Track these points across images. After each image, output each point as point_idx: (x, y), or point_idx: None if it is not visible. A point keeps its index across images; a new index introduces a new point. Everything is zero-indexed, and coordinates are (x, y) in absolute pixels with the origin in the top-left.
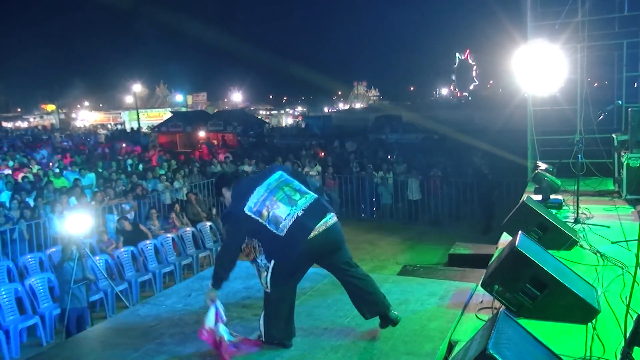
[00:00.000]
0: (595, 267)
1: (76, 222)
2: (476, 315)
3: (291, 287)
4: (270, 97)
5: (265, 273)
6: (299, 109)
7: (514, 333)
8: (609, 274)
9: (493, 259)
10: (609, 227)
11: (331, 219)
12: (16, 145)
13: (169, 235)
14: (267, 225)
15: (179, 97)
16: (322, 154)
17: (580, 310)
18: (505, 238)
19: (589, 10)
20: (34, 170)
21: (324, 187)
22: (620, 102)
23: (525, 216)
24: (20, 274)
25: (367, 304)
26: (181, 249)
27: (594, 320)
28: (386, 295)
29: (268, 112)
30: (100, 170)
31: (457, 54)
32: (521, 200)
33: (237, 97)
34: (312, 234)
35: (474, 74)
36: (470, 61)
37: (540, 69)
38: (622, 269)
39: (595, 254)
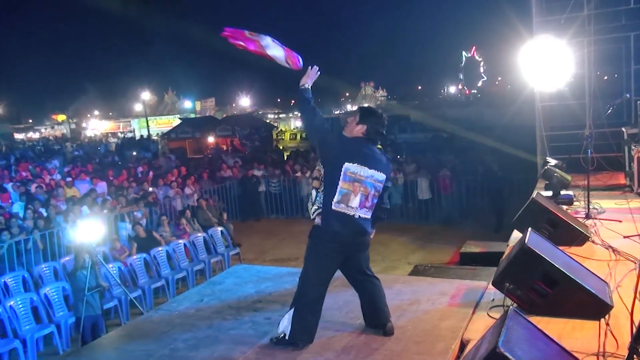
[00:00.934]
0: (608, 262)
1: (88, 230)
2: (488, 313)
3: (323, 284)
4: (279, 100)
5: (315, 208)
6: None
7: (525, 331)
8: (622, 269)
9: (504, 256)
10: (620, 221)
11: (365, 234)
12: (28, 156)
13: (180, 241)
14: (337, 191)
15: (187, 104)
16: None
17: (592, 306)
18: (516, 235)
19: (595, 3)
20: (47, 180)
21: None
22: (628, 95)
23: (535, 213)
24: (35, 284)
25: (374, 313)
26: (193, 255)
27: (606, 316)
28: (397, 295)
29: (276, 116)
30: (111, 179)
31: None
32: (531, 197)
33: (245, 101)
34: (345, 233)
35: (481, 70)
36: (477, 57)
37: (547, 65)
38: (635, 263)
39: (607, 249)
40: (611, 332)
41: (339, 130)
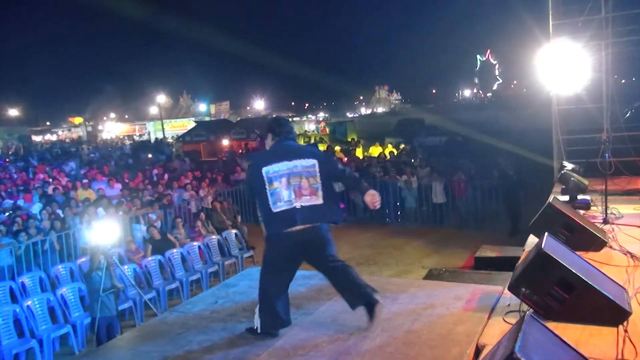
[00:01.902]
0: (626, 268)
1: (102, 232)
2: (503, 318)
3: (282, 280)
4: (292, 103)
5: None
6: (321, 114)
7: (542, 336)
8: None
9: (520, 261)
10: (639, 226)
11: (319, 226)
12: (45, 158)
13: (195, 243)
14: (269, 195)
15: (202, 107)
16: (345, 159)
17: (610, 312)
18: (532, 240)
19: (612, 6)
20: (64, 182)
21: (342, 192)
22: None
23: (552, 217)
24: (52, 284)
25: (352, 295)
26: (207, 257)
27: (625, 323)
28: (412, 299)
29: (290, 119)
30: (127, 181)
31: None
32: (547, 201)
33: (259, 104)
34: (293, 228)
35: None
36: (492, 60)
37: (564, 68)
38: None
39: (626, 254)
40: (629, 339)
41: (253, 156)
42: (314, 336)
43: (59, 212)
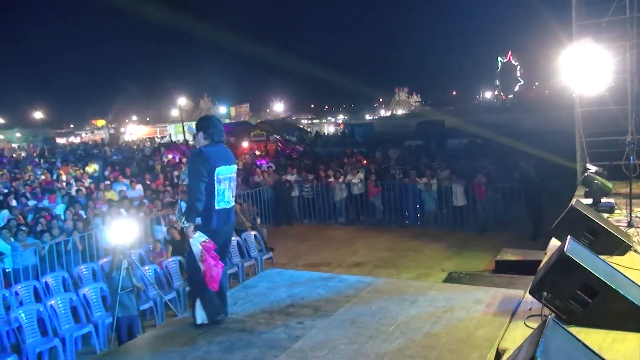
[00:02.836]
0: None
1: (121, 232)
2: (525, 322)
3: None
4: (312, 106)
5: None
6: (341, 116)
7: (564, 341)
8: None
9: (541, 265)
10: None
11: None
12: (69, 159)
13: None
14: (216, 193)
15: (222, 109)
16: (365, 161)
17: (634, 318)
18: (554, 243)
19: (638, 6)
20: (86, 184)
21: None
22: None
23: (575, 221)
24: (74, 284)
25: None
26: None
27: None
28: (431, 302)
29: (310, 121)
30: (148, 182)
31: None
32: (570, 204)
33: (279, 107)
34: (223, 223)
35: (518, 74)
36: (513, 62)
37: (587, 69)
38: None
39: None
40: None
41: (206, 154)
42: (332, 338)
43: (82, 212)
